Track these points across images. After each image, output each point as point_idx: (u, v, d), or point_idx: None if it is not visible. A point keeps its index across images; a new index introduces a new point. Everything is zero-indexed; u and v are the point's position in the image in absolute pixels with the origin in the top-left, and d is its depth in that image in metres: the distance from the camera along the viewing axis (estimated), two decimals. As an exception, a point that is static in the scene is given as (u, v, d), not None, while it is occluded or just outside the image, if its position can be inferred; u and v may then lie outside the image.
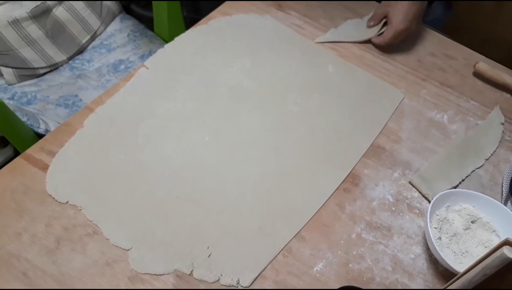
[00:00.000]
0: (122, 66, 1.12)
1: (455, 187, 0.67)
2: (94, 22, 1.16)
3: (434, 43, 0.90)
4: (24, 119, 0.87)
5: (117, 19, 1.22)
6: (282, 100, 0.75)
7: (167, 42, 0.81)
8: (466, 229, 0.61)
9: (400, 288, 0.57)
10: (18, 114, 0.85)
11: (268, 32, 0.86)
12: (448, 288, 0.47)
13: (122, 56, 1.14)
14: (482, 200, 0.62)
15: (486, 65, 0.83)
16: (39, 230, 0.57)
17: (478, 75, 0.85)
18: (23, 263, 0.54)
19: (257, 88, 0.76)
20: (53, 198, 0.59)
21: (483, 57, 0.88)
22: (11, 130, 0.83)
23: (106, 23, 1.19)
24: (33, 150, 0.64)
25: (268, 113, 0.73)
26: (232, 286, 0.55)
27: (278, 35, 0.86)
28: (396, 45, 0.87)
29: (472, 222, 0.62)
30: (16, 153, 0.94)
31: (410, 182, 0.68)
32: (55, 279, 0.53)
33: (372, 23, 0.87)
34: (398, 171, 0.69)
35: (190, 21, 0.88)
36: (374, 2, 0.95)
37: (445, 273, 0.58)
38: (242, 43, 0.83)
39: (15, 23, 1.00)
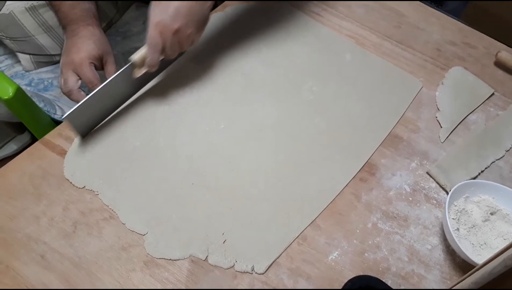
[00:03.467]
0: (138, 54, 1.12)
1: (474, 178, 0.66)
2: (109, 9, 1.16)
3: (453, 32, 0.88)
4: (41, 105, 0.87)
5: (133, 7, 1.21)
6: (298, 88, 0.74)
7: (182, 29, 0.81)
8: (485, 220, 0.60)
9: (416, 282, 0.56)
10: (35, 100, 0.86)
11: (285, 19, 0.85)
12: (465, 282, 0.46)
13: (137, 43, 1.14)
14: (502, 191, 0.61)
15: (509, 55, 0.81)
16: (56, 214, 0.58)
17: (499, 64, 0.82)
18: (41, 246, 0.55)
19: (273, 75, 0.75)
20: (71, 182, 0.60)
21: (505, 46, 0.86)
22: (28, 116, 0.83)
23: (121, 11, 1.19)
24: (51, 136, 0.65)
25: (283, 101, 0.72)
26: (247, 272, 0.55)
27: (295, 22, 0.84)
28: (415, 34, 0.86)
29: (492, 213, 0.60)
30: (33, 140, 0.95)
31: (427, 172, 0.67)
32: (72, 262, 0.54)
33: None
34: (415, 161, 0.68)
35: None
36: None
37: (462, 265, 0.58)
38: (258, 30, 0.82)
39: (32, 9, 1.00)
